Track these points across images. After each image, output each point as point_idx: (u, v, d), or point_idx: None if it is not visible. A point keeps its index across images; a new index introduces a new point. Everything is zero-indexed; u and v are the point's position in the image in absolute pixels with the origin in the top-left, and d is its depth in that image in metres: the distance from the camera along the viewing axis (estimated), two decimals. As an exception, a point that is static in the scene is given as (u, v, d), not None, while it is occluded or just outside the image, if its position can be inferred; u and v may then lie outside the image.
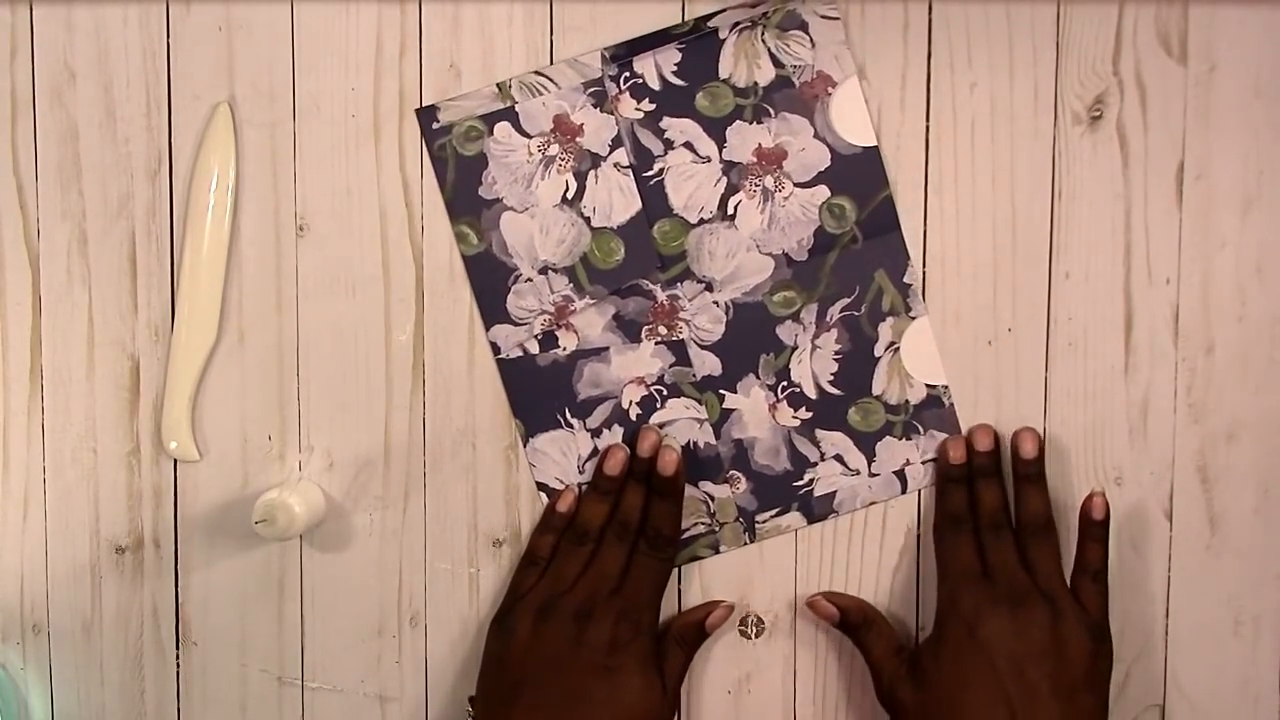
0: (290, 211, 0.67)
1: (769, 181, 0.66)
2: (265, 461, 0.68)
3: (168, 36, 0.67)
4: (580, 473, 0.67)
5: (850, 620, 0.66)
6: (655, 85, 0.65)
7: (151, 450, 0.68)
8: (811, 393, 0.67)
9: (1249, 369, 0.67)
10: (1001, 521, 0.65)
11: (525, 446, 0.67)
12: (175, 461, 0.68)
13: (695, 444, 0.67)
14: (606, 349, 0.67)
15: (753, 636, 0.68)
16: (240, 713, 0.69)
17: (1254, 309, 0.67)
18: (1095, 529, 0.65)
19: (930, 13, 0.66)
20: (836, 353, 0.67)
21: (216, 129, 0.66)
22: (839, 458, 0.67)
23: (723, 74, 0.65)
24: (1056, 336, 0.67)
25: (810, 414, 0.67)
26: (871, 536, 0.68)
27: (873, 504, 0.67)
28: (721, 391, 0.67)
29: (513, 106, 0.66)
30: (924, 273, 0.67)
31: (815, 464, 0.67)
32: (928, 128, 0.67)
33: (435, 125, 0.66)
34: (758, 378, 0.67)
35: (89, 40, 0.67)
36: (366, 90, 0.67)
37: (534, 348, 0.67)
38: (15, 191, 0.67)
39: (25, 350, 0.68)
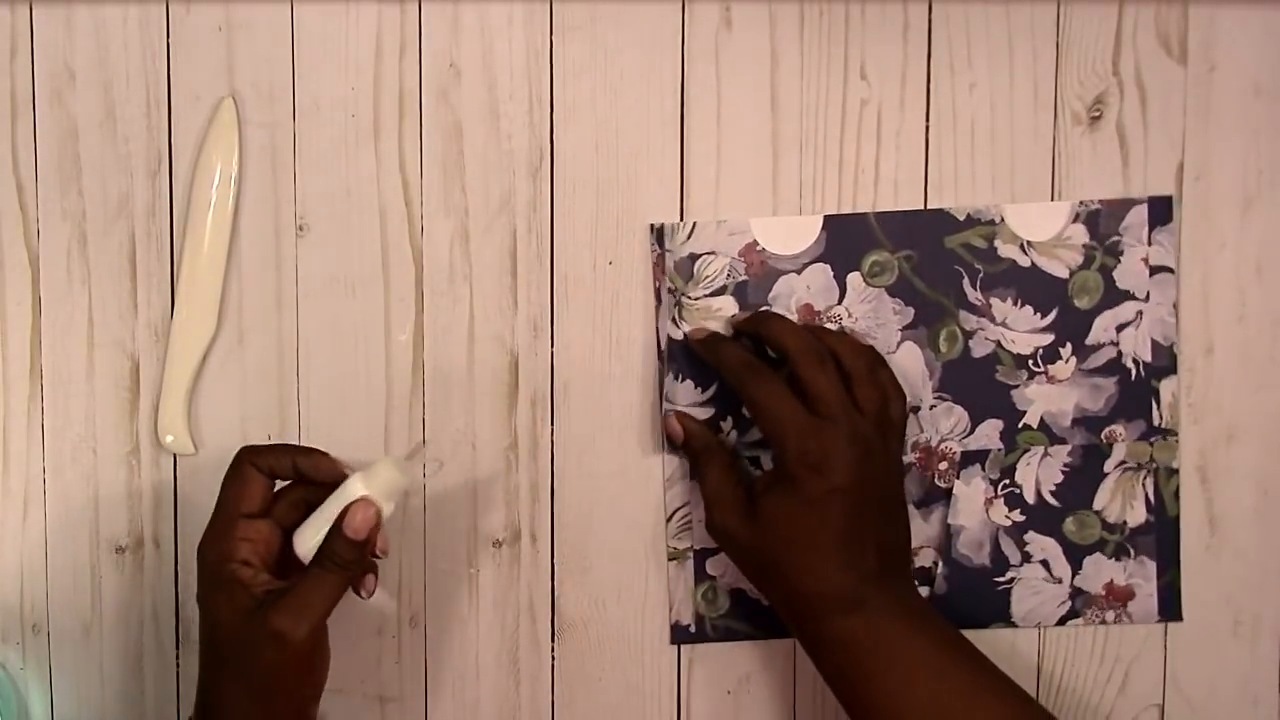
0: (290, 211, 0.67)
1: None
2: (265, 461, 0.68)
3: (168, 36, 0.67)
4: None
5: (692, 445, 0.66)
6: None
7: (151, 450, 0.68)
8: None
9: (1249, 369, 0.67)
10: (824, 356, 0.62)
11: None
12: (175, 461, 0.68)
13: None
14: None
15: None
16: (240, 713, 0.69)
17: (1254, 309, 0.67)
18: (874, 354, 0.64)
19: (930, 13, 0.66)
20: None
21: (220, 123, 0.66)
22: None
23: None
24: (1056, 336, 0.67)
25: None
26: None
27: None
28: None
29: None
30: (924, 273, 0.67)
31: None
32: (928, 128, 0.67)
33: None
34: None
35: (89, 40, 0.67)
36: (366, 90, 0.67)
37: None
38: (15, 191, 0.67)
39: (25, 350, 0.68)
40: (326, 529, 0.58)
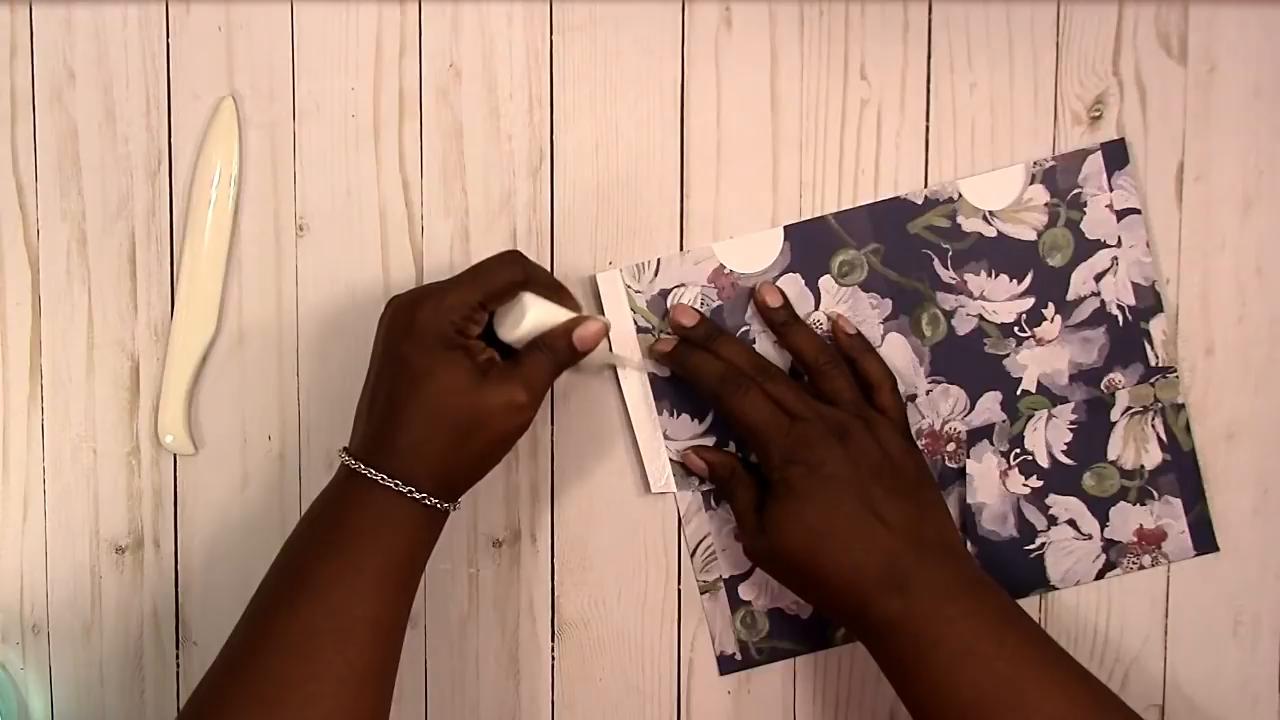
0: (290, 211, 0.67)
1: None
2: (265, 461, 0.68)
3: (168, 36, 0.67)
4: None
5: (718, 475, 0.66)
6: None
7: (151, 450, 0.68)
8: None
9: (1249, 369, 0.67)
10: (773, 369, 0.65)
11: None
12: (175, 461, 0.68)
13: None
14: None
15: None
16: (240, 713, 0.69)
17: (1254, 309, 0.67)
18: (856, 343, 0.66)
19: (930, 13, 0.66)
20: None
21: (220, 123, 0.66)
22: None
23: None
24: (1056, 336, 0.67)
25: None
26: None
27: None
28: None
29: None
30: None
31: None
32: (928, 128, 0.67)
33: None
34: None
35: (89, 40, 0.67)
36: (366, 90, 0.67)
37: None
38: (15, 191, 0.67)
39: (25, 350, 0.68)
40: (534, 322, 0.61)
